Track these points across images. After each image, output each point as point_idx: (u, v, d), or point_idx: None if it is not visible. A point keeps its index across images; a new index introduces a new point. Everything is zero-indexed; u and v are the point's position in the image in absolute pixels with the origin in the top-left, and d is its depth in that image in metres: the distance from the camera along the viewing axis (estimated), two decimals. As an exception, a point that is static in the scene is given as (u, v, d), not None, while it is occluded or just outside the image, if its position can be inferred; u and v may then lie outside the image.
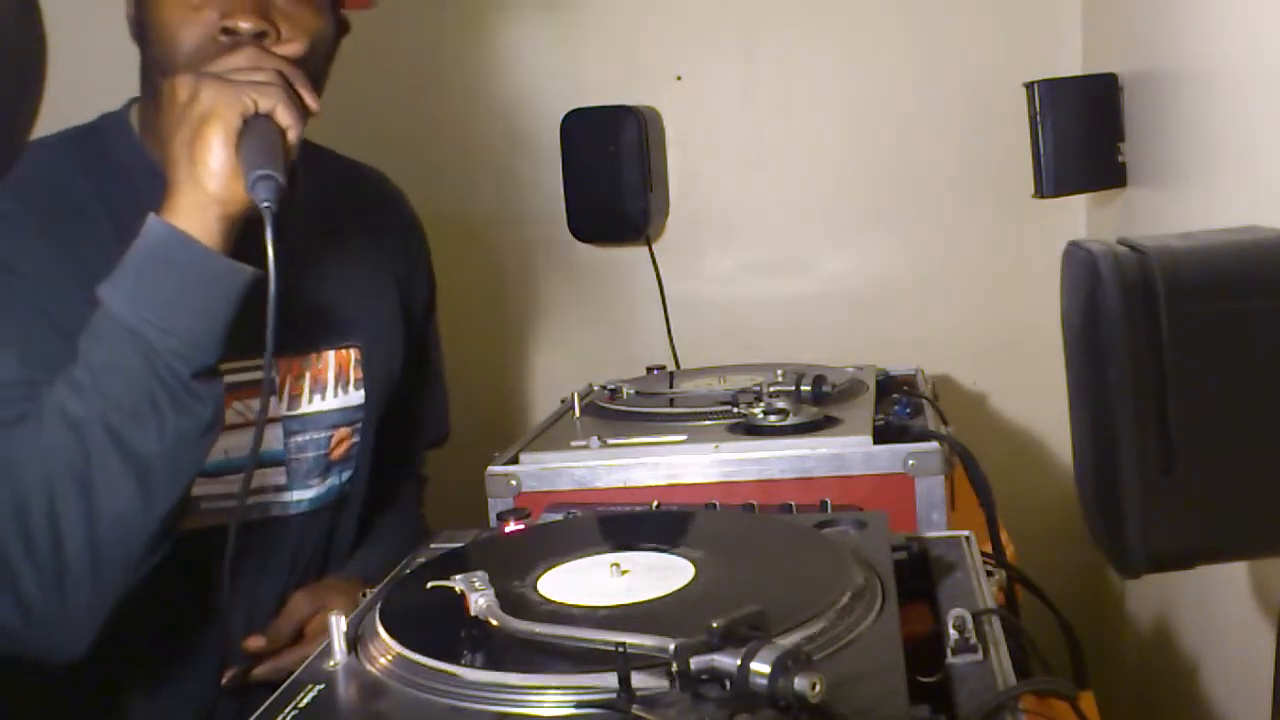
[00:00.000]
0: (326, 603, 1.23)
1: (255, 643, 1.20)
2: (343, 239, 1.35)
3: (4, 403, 1.03)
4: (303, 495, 1.27)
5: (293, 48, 1.10)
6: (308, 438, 1.27)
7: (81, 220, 1.14)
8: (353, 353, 1.31)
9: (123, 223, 1.07)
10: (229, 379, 1.09)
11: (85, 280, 1.03)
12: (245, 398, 1.19)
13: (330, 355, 1.29)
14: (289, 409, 1.25)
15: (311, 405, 1.27)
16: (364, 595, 0.91)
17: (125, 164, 1.18)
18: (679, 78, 2.07)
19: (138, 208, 1.04)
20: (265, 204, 0.98)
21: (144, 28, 1.12)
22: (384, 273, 1.39)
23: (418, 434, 1.51)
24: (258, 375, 1.14)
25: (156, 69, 1.12)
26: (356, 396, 1.31)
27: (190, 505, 1.09)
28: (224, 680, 1.17)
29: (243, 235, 1.04)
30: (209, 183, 1.00)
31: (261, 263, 0.99)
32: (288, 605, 1.25)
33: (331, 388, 1.28)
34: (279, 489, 1.25)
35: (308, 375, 1.27)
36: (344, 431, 1.30)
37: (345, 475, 1.32)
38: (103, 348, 1.00)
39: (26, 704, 1.17)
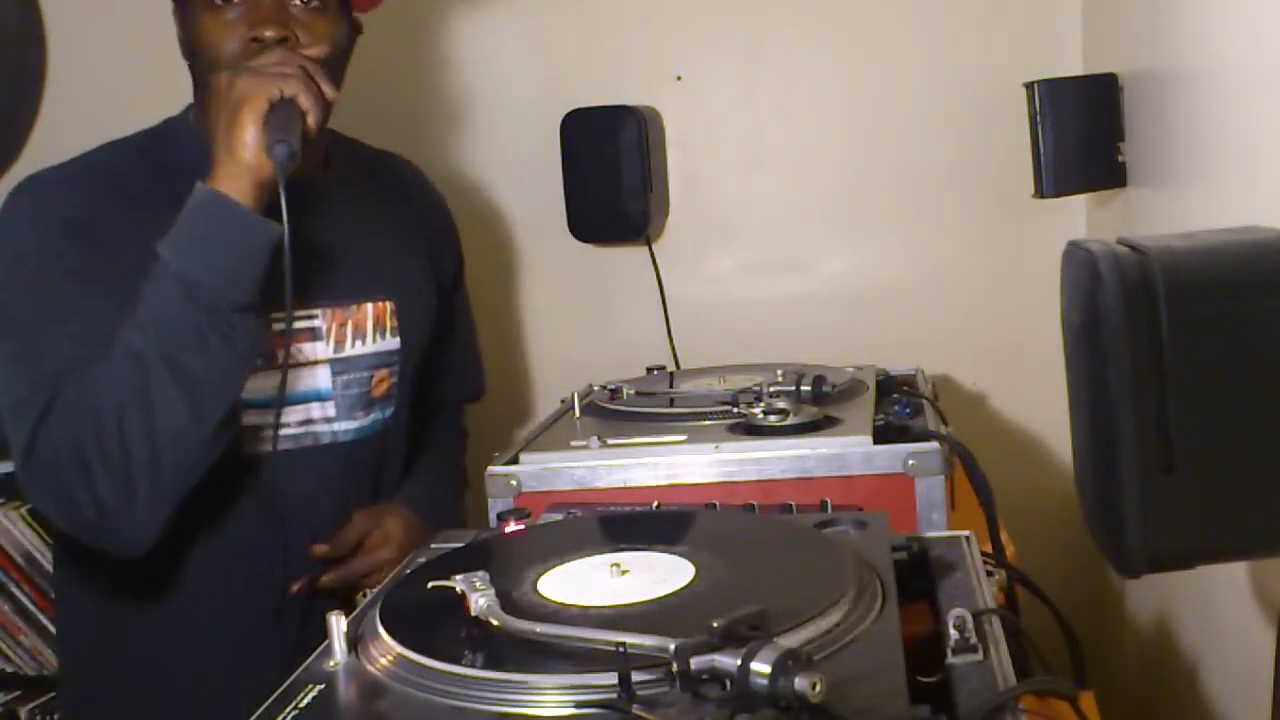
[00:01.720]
0: (382, 522, 1.46)
1: (320, 548, 1.41)
2: (378, 212, 1.56)
3: (91, 345, 1.24)
4: (350, 426, 1.46)
5: (314, 51, 1.31)
6: (351, 377, 1.46)
7: (151, 203, 1.29)
8: (388, 305, 1.50)
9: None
10: (279, 328, 1.28)
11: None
12: (295, 342, 1.40)
13: (369, 306, 1.48)
14: (335, 352, 1.45)
15: (354, 349, 1.46)
16: (364, 595, 0.92)
17: (190, 157, 1.33)
18: (679, 78, 2.07)
19: None
20: (278, 161, 1.19)
21: (192, 45, 1.34)
22: (415, 240, 1.59)
23: (451, 385, 1.72)
24: (305, 324, 1.41)
25: (204, 77, 1.34)
26: (393, 343, 1.50)
27: (237, 424, 1.31)
28: (295, 587, 1.38)
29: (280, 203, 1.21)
30: (243, 154, 1.21)
31: (301, 225, 1.20)
32: (349, 521, 1.44)
33: (370, 334, 1.48)
34: (329, 420, 1.45)
35: (350, 323, 1.46)
36: (383, 372, 1.50)
37: (387, 411, 1.51)
38: (159, 290, 1.21)
39: (111, 590, 1.39)
